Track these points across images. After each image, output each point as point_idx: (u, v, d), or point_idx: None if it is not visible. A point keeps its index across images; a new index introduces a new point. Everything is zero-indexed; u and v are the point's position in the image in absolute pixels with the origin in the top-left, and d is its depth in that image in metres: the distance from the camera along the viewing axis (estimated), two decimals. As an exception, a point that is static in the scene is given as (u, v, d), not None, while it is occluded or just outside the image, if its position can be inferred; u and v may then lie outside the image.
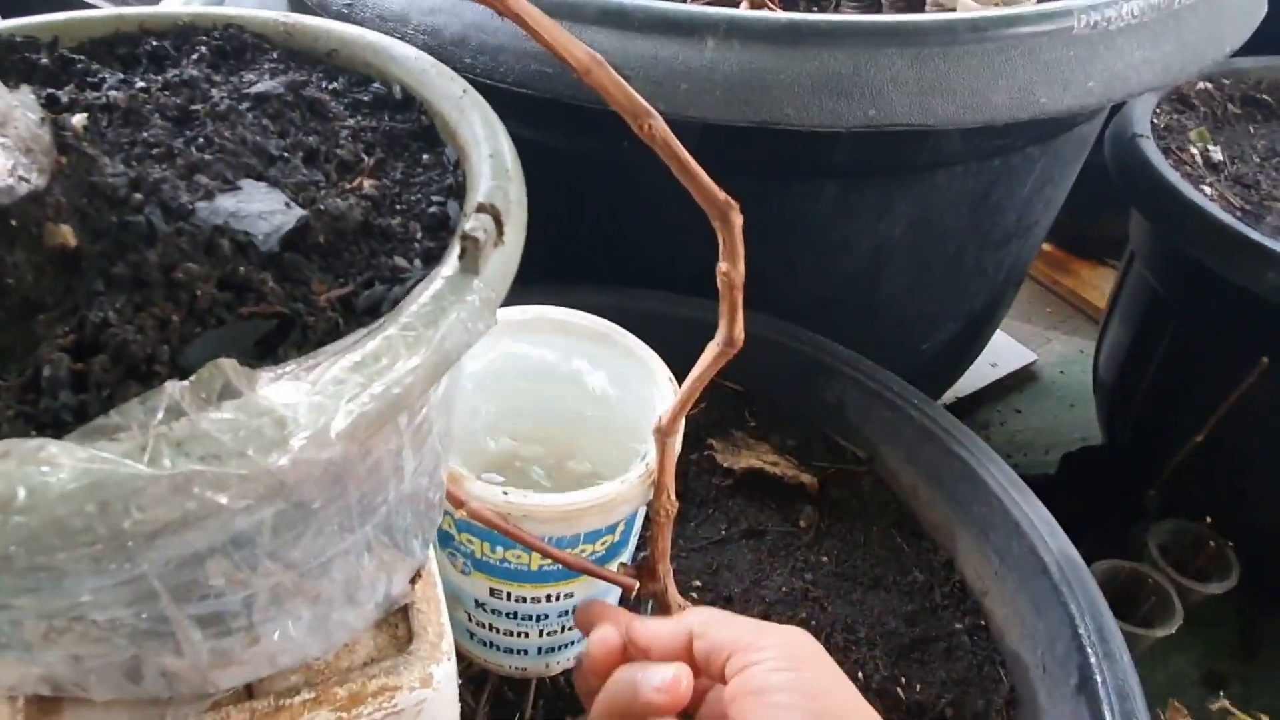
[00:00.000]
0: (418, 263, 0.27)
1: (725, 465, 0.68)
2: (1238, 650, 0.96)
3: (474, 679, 0.58)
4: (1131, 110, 0.93)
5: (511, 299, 0.58)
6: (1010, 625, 0.57)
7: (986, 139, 0.70)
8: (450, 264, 0.26)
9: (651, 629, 0.41)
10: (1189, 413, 0.90)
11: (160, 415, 0.20)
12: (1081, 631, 0.51)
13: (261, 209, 0.26)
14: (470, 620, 0.53)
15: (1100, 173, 0.95)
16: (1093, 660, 0.50)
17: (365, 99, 0.33)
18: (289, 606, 0.30)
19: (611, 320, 0.54)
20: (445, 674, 0.35)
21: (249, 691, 0.34)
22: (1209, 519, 0.93)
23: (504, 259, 0.26)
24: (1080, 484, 0.98)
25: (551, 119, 0.71)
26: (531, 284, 0.83)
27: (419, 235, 0.28)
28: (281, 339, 0.24)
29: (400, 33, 0.68)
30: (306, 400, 0.21)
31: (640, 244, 0.78)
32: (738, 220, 0.39)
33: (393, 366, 0.23)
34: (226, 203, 0.26)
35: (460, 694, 0.58)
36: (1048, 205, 0.84)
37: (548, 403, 0.55)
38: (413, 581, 0.37)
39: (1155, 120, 0.93)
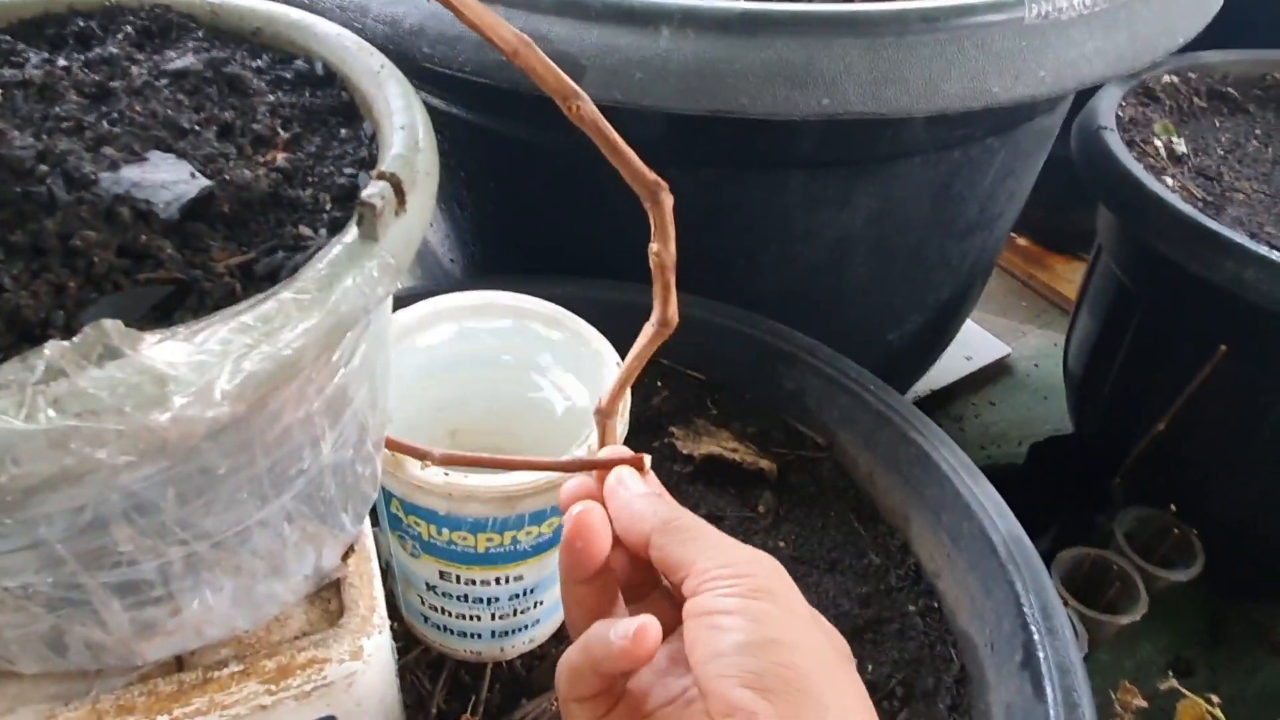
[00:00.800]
0: (323, 232, 0.27)
1: (686, 452, 0.69)
2: (1204, 637, 0.97)
3: (431, 664, 0.58)
4: (1097, 103, 0.93)
5: (472, 288, 0.59)
6: (961, 605, 0.58)
7: (945, 129, 0.70)
8: (351, 232, 0.26)
9: (631, 509, 0.37)
10: (1153, 402, 0.90)
11: (39, 374, 0.20)
12: (1026, 610, 0.51)
13: (166, 179, 0.26)
14: (423, 604, 0.54)
15: (1072, 166, 0.95)
16: (1036, 637, 0.50)
17: (287, 75, 0.34)
18: (208, 577, 0.30)
19: (575, 311, 0.55)
20: (377, 647, 0.35)
21: (179, 664, 0.34)
22: (1173, 507, 0.94)
23: (406, 227, 0.27)
24: (1048, 473, 0.99)
25: (513, 110, 0.72)
26: (492, 275, 0.84)
27: (328, 206, 0.28)
28: (178, 305, 0.24)
29: (360, 23, 0.68)
30: (190, 359, 0.21)
31: (607, 234, 0.78)
32: (668, 200, 0.39)
33: (283, 329, 0.23)
34: (131, 173, 0.26)
35: (417, 679, 0.58)
36: (1011, 197, 0.84)
37: (497, 387, 0.56)
38: (346, 556, 0.37)
39: (1120, 113, 0.94)
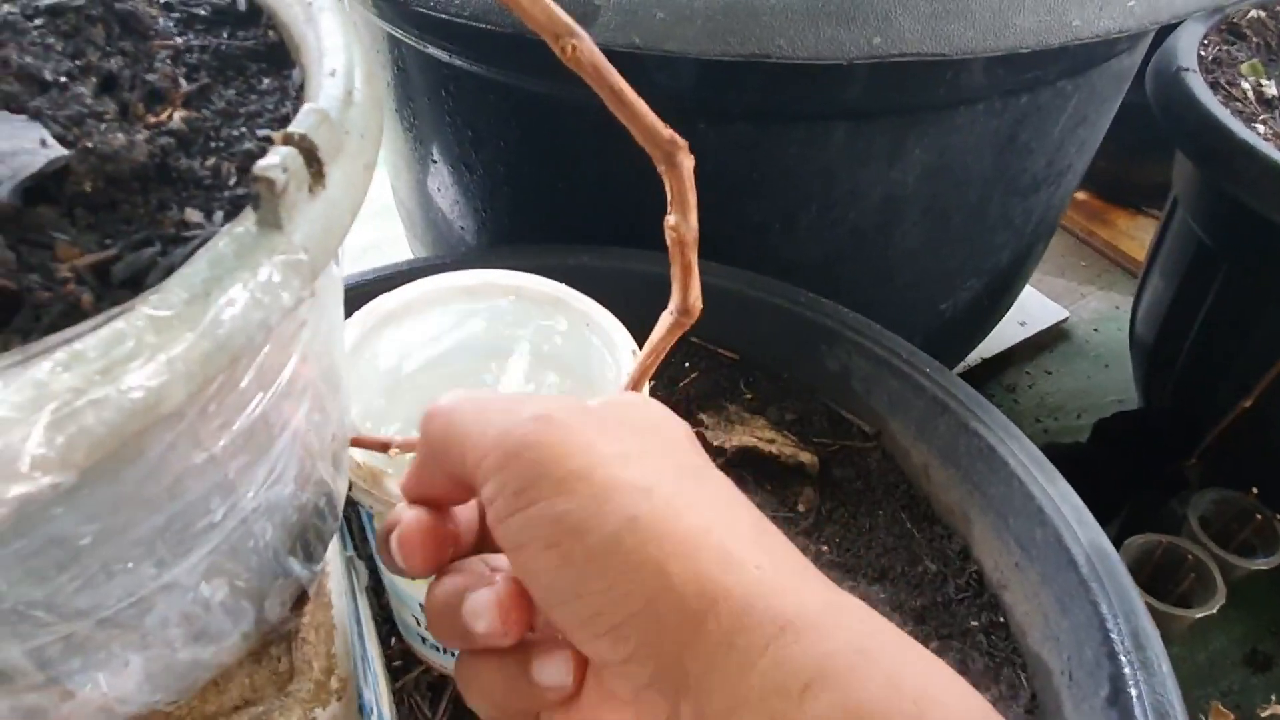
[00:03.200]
0: (219, 216, 0.20)
1: (716, 444, 0.62)
2: (1286, 631, 0.89)
3: (432, 685, 0.53)
4: (1176, 41, 0.83)
5: (476, 263, 0.52)
6: (1032, 623, 0.50)
7: (1012, 71, 0.61)
8: (246, 221, 0.19)
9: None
10: (1235, 375, 0.82)
11: None
12: (1114, 636, 0.44)
13: (4, 149, 0.19)
14: (419, 624, 0.48)
15: (1140, 112, 0.86)
16: (1126, 670, 0.43)
17: (201, 13, 0.26)
18: (101, 656, 0.24)
19: (593, 283, 0.48)
20: (334, 716, 0.29)
21: (93, 743, 0.28)
22: (1254, 490, 0.85)
23: (325, 208, 0.19)
24: (1114, 452, 0.91)
25: (521, 59, 0.64)
26: (499, 245, 0.76)
27: (231, 180, 0.21)
28: (3, 323, 0.17)
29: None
30: (-21, 416, 0.15)
31: (626, 196, 0.71)
32: (687, 163, 0.32)
33: (131, 361, 0.16)
34: (-49, 140, 0.19)
35: (416, 703, 0.52)
36: (1082, 148, 0.75)
37: (498, 377, 0.49)
38: (298, 605, 0.31)
39: (1203, 52, 0.84)
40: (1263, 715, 0.61)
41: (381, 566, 0.47)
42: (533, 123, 0.69)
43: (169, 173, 0.21)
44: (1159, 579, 0.85)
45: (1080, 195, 1.31)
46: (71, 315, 0.18)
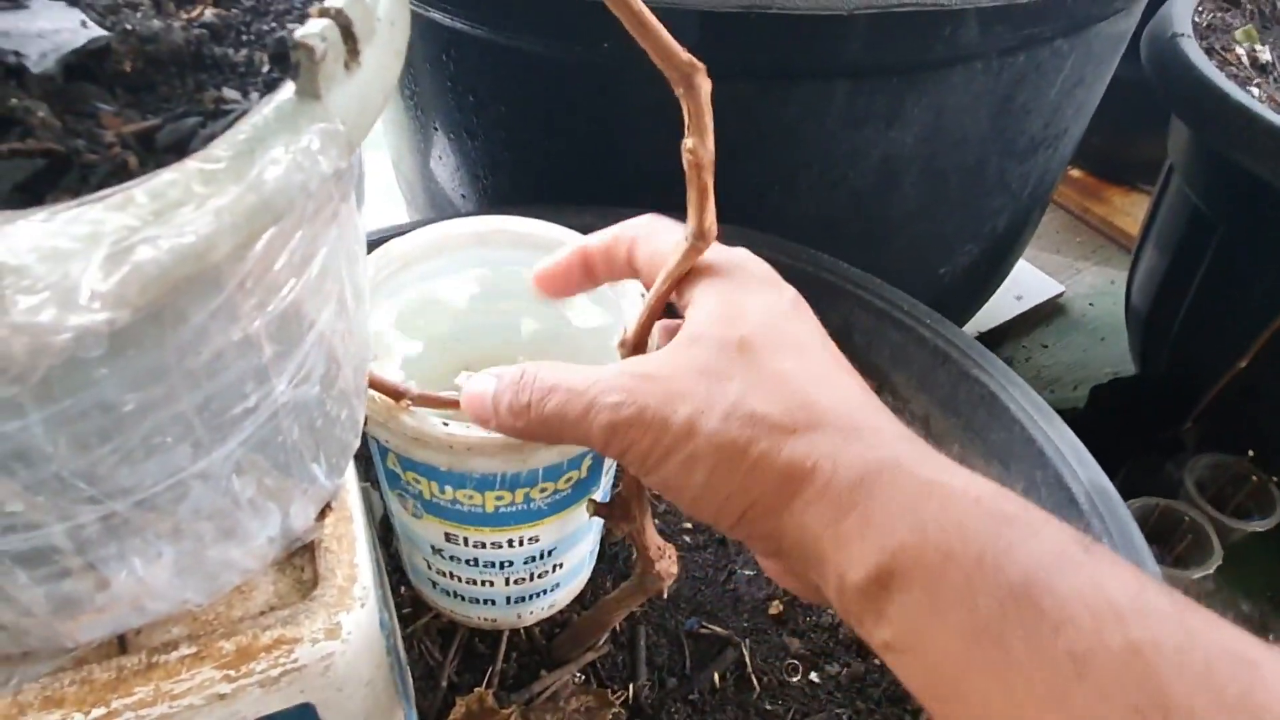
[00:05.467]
0: (255, 96, 0.21)
1: (719, 397, 0.62)
2: (1282, 593, 0.90)
3: (442, 631, 0.53)
4: (1171, 8, 0.84)
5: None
6: (1034, 565, 0.51)
7: (1009, 28, 0.62)
8: (285, 91, 0.19)
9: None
10: (1230, 339, 0.83)
11: None
12: (1115, 570, 0.45)
13: (45, 28, 0.20)
14: (430, 568, 0.48)
15: (1134, 89, 0.87)
16: (1128, 602, 0.43)
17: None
18: (137, 543, 0.24)
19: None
20: (358, 624, 0.30)
21: (121, 645, 0.29)
22: (1250, 453, 0.86)
23: (360, 87, 0.20)
24: (1111, 417, 0.92)
25: (525, 20, 0.65)
26: (506, 206, 0.77)
27: (264, 68, 0.22)
28: (51, 184, 0.18)
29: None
30: (40, 246, 0.15)
31: (628, 158, 0.71)
32: (704, 85, 0.32)
33: (183, 207, 0.17)
34: (-3, 19, 0.20)
35: (426, 648, 0.53)
36: (1079, 111, 0.76)
37: (511, 320, 0.49)
38: (322, 515, 0.31)
39: (1197, 18, 0.85)
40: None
41: (393, 511, 0.47)
42: (534, 86, 0.70)
43: (204, 59, 0.22)
44: (1156, 542, 0.86)
45: (1075, 173, 1.32)
46: (119, 176, 0.18)
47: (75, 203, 0.16)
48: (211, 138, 0.19)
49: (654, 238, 0.37)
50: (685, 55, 0.32)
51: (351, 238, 0.27)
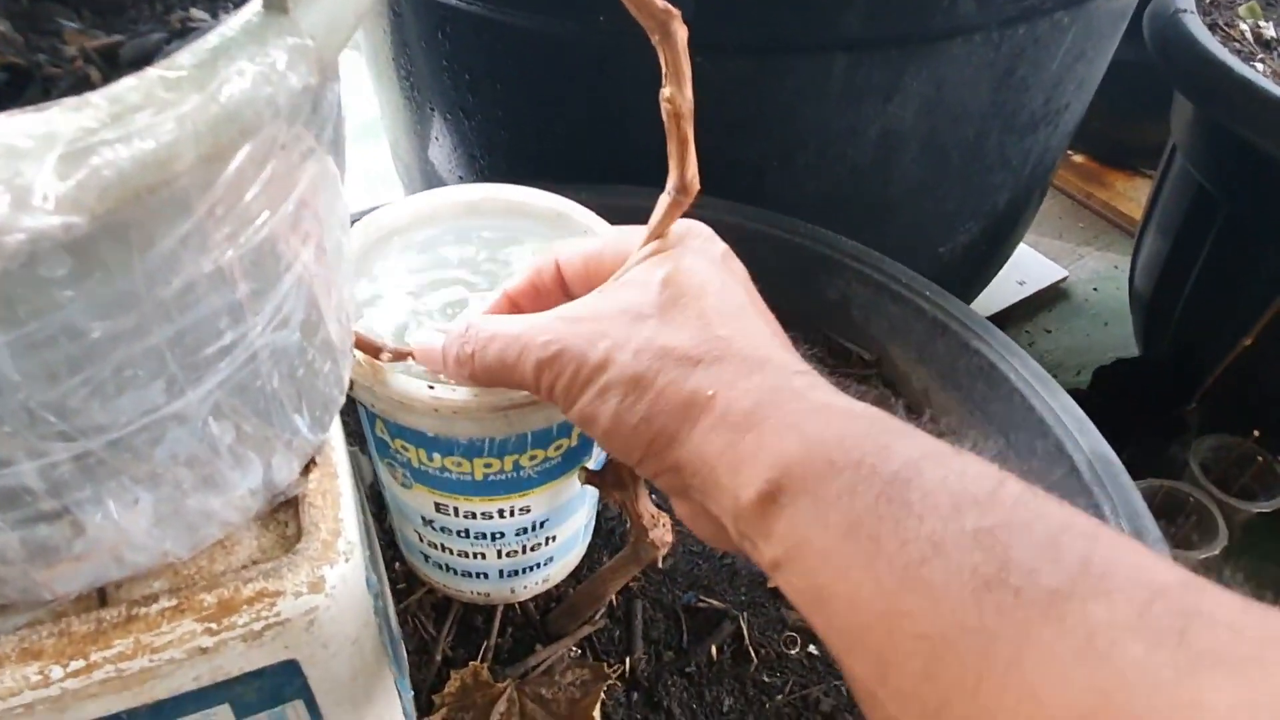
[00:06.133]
0: (224, 16, 0.20)
1: (717, 373, 0.62)
2: (1288, 574, 0.89)
3: (436, 606, 0.53)
4: (1173, -16, 0.84)
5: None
6: (1035, 537, 0.51)
7: (1009, -1, 0.61)
8: (254, 6, 0.19)
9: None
10: (1235, 318, 0.82)
11: None
12: (1116, 538, 0.44)
13: (10, -55, 0.20)
14: (421, 540, 0.48)
15: (1135, 71, 0.86)
16: (1130, 569, 0.43)
17: None
18: (113, 486, 0.24)
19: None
20: (342, 578, 0.29)
21: (101, 598, 0.28)
22: (1255, 433, 0.86)
23: (330, 3, 0.20)
24: (1115, 399, 0.91)
25: (518, -5, 0.64)
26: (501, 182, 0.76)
27: (235, -9, 0.21)
28: (13, 98, 0.18)
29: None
30: (-8, 144, 0.15)
31: (625, 135, 0.71)
32: (680, 32, 0.32)
33: (141, 112, 0.16)
34: (-43, -67, 0.19)
35: (420, 622, 0.53)
36: (1080, 87, 0.75)
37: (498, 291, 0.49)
38: (306, 470, 0.31)
39: (1199, -6, 0.84)
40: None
41: (384, 482, 0.47)
42: (530, 63, 0.69)
43: (174, -17, 0.21)
44: (1161, 522, 0.85)
45: (1077, 158, 1.31)
46: (80, 89, 0.18)
47: (32, 108, 0.16)
48: (175, 53, 0.18)
49: (572, 249, 0.39)
50: (661, 3, 0.32)
51: (328, 180, 0.26)
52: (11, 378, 0.19)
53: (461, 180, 0.83)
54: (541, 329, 0.34)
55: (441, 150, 0.82)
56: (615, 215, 0.51)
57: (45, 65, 0.18)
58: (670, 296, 0.33)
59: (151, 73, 0.17)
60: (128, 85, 0.16)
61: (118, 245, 0.19)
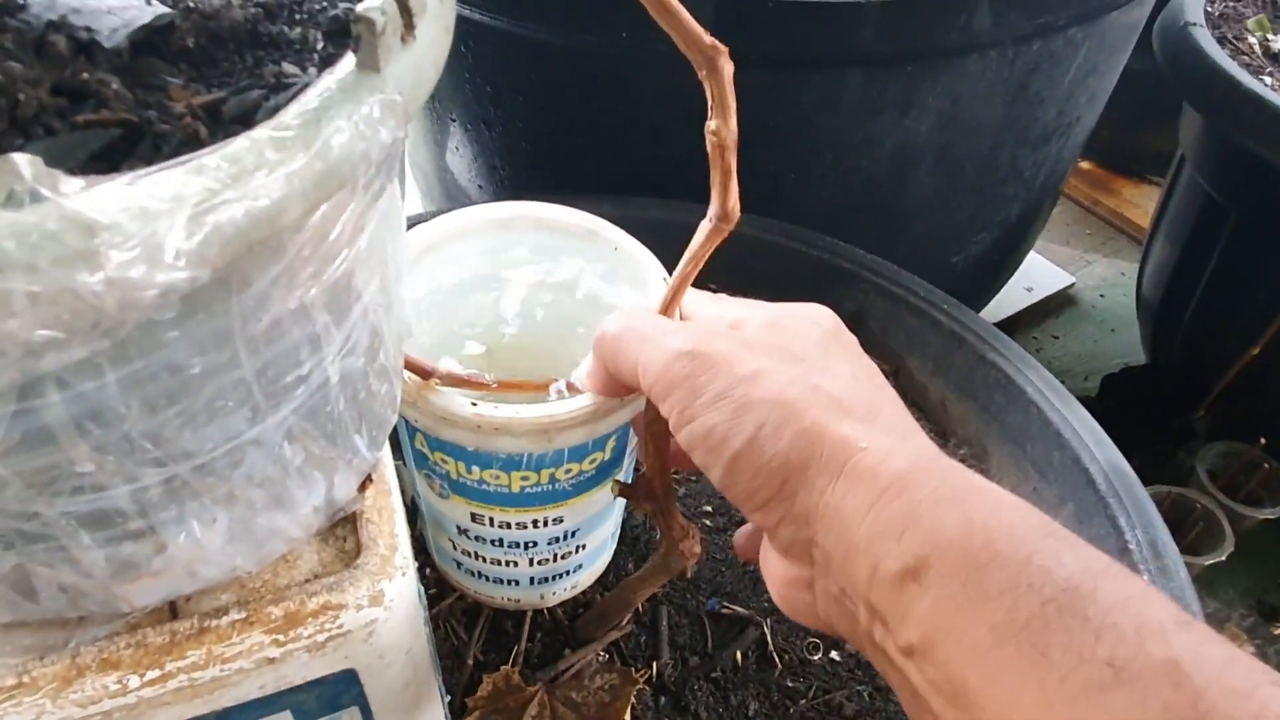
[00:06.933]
0: (313, 71, 0.21)
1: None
2: (1293, 579, 0.90)
3: (467, 612, 0.54)
4: (1183, -2, 0.85)
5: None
6: (1051, 546, 0.52)
7: (1023, 16, 0.63)
8: (346, 65, 0.20)
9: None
10: (1243, 327, 0.83)
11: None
12: (1132, 546, 0.45)
13: (113, 4, 0.21)
14: (455, 549, 0.49)
15: (1144, 80, 0.87)
16: (1145, 578, 0.44)
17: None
18: (195, 507, 0.25)
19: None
20: (400, 592, 0.30)
21: (173, 611, 0.29)
22: (1262, 440, 0.87)
23: (414, 59, 0.21)
24: (1123, 406, 0.92)
25: (543, 10, 0.65)
26: (524, 195, 0.77)
27: (319, 44, 0.23)
28: (126, 152, 0.19)
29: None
30: (131, 206, 0.16)
31: (645, 147, 0.72)
32: (727, 68, 0.33)
33: (257, 172, 0.17)
34: (68, -3, 0.20)
35: (451, 628, 0.54)
36: (1091, 100, 0.77)
37: (530, 307, 0.50)
38: (363, 487, 0.32)
39: (1209, 8, 0.85)
40: (1276, 632, 0.62)
41: (420, 492, 0.48)
42: (552, 76, 0.70)
43: (261, 36, 0.23)
44: (1168, 528, 0.86)
45: (1085, 165, 1.32)
46: (190, 145, 0.19)
47: (155, 168, 0.17)
48: (276, 109, 0.20)
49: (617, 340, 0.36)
50: (709, 38, 0.33)
51: (395, 214, 0.28)
52: (119, 410, 0.21)
53: (481, 189, 0.84)
54: (677, 329, 0.32)
55: (461, 159, 0.83)
56: (637, 227, 0.52)
57: (156, 122, 0.19)
58: (825, 345, 0.32)
59: (262, 133, 0.18)
60: (243, 146, 0.18)
61: (219, 288, 0.20)
